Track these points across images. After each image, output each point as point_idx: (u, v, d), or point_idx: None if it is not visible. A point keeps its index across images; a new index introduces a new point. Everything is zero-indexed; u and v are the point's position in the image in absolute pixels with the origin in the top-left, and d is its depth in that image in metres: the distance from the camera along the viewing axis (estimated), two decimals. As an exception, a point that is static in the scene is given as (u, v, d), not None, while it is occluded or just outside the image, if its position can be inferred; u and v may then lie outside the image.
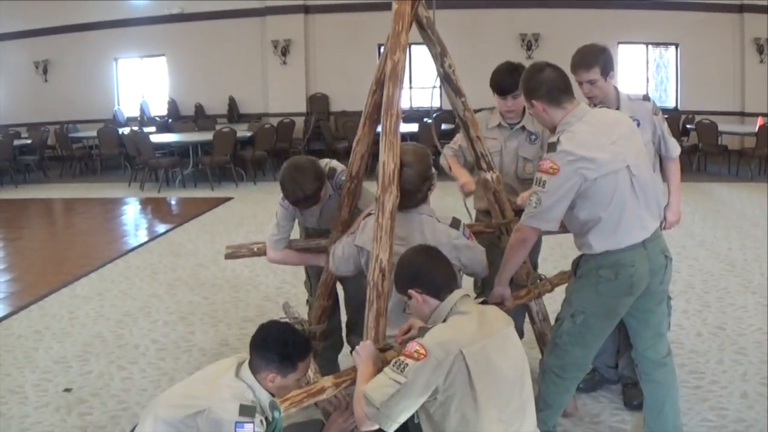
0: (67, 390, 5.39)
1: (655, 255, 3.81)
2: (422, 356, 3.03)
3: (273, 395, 3.50)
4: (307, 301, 5.27)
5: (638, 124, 4.41)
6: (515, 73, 4.49)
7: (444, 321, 3.28)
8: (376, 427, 3.18)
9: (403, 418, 3.10)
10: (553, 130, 3.80)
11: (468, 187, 4.87)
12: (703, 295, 7.16)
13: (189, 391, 3.47)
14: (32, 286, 8.25)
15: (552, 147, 3.64)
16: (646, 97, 4.75)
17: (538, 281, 4.49)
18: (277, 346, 3.41)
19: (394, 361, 3.16)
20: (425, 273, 3.37)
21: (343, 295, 5.12)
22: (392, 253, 3.63)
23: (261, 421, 3.30)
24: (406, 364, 3.05)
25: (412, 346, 3.10)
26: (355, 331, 4.80)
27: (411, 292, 3.35)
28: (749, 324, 6.31)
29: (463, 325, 3.20)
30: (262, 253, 4.81)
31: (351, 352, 4.99)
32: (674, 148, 4.80)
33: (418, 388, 3.03)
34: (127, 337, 6.46)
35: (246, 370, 3.45)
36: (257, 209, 12.44)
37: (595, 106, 4.61)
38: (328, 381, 3.33)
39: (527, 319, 4.81)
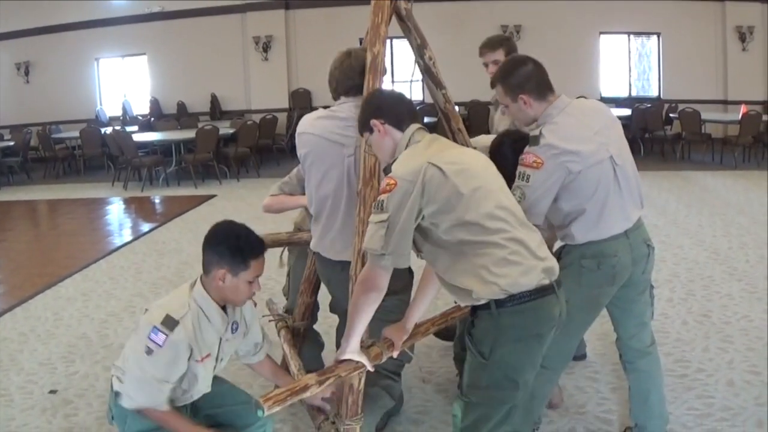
0: (53, 392, 5.35)
1: (638, 244, 3.80)
2: (393, 185, 3.01)
3: (224, 308, 3.54)
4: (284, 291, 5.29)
5: None
6: None
7: None
8: (385, 277, 3.16)
9: (410, 248, 3.11)
10: (529, 123, 3.77)
11: None
12: (688, 283, 7.18)
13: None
14: (17, 288, 8.20)
15: (534, 140, 3.58)
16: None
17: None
18: (228, 239, 3.42)
19: (373, 204, 3.17)
20: (389, 103, 3.39)
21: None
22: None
23: (185, 347, 3.38)
24: (383, 200, 3.04)
25: (383, 183, 3.09)
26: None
27: (373, 122, 3.32)
28: (734, 312, 6.33)
29: (421, 148, 3.20)
30: None
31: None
32: None
33: (403, 214, 3.01)
34: (112, 337, 6.42)
35: (198, 285, 3.50)
36: (241, 206, 12.41)
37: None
38: (311, 378, 3.30)
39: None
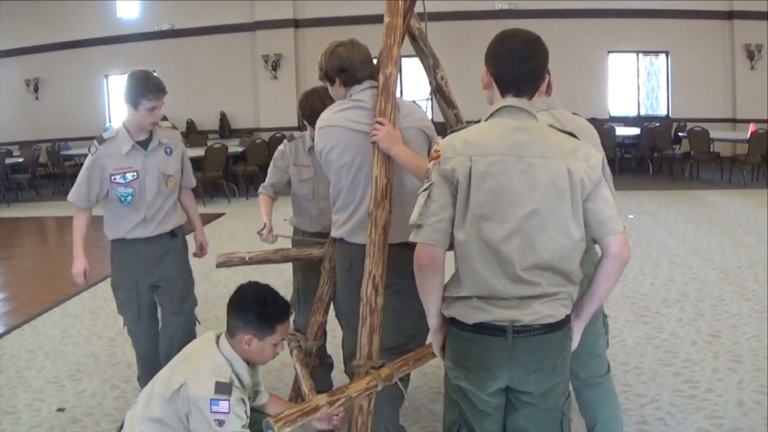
0: (61, 410, 5.34)
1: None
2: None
3: (250, 364, 3.52)
4: (294, 320, 5.22)
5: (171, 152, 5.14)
6: None
7: None
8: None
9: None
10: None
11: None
12: (697, 303, 7.15)
13: (174, 367, 3.53)
14: (25, 305, 8.21)
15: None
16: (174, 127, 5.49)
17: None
18: (255, 306, 3.42)
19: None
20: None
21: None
22: (384, 266, 3.55)
23: (240, 399, 3.33)
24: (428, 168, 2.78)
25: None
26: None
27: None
28: (744, 331, 6.30)
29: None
30: (254, 262, 4.83)
31: (345, 370, 4.97)
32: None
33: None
34: (120, 355, 6.42)
35: (224, 343, 3.47)
36: (249, 225, 12.37)
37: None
38: (322, 399, 3.29)
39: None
